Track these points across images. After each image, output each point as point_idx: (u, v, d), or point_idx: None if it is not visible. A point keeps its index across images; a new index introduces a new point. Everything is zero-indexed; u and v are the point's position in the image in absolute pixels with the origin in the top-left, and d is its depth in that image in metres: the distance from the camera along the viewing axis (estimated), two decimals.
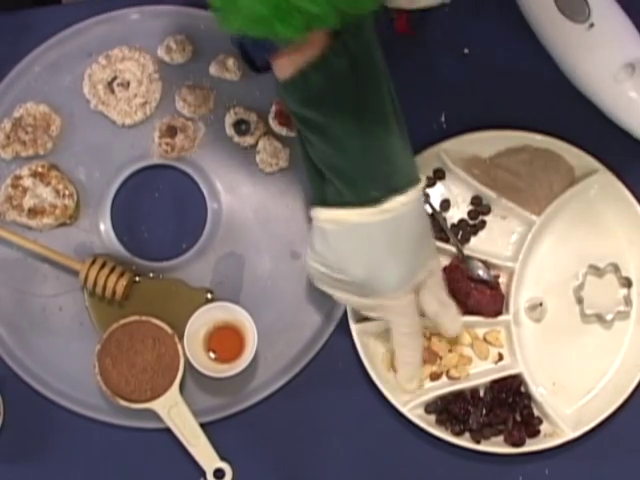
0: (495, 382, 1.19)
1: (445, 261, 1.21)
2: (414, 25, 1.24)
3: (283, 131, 1.23)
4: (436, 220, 1.21)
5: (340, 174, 1.04)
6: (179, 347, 1.17)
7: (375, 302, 1.10)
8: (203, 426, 1.17)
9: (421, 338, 1.14)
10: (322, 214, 1.07)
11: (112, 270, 1.19)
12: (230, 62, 1.23)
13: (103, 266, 1.19)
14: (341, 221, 1.05)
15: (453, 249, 1.20)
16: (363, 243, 1.06)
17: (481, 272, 1.19)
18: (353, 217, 1.05)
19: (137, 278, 1.21)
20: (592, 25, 1.20)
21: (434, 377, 1.20)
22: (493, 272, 1.21)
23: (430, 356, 1.19)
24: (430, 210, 1.21)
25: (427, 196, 1.22)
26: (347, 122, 1.02)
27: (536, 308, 1.21)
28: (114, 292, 1.19)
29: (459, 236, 1.22)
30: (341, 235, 1.06)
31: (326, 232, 1.07)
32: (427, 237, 1.11)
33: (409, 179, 1.06)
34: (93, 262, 1.19)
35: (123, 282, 1.19)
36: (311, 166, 1.07)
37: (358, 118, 1.02)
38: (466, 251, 1.20)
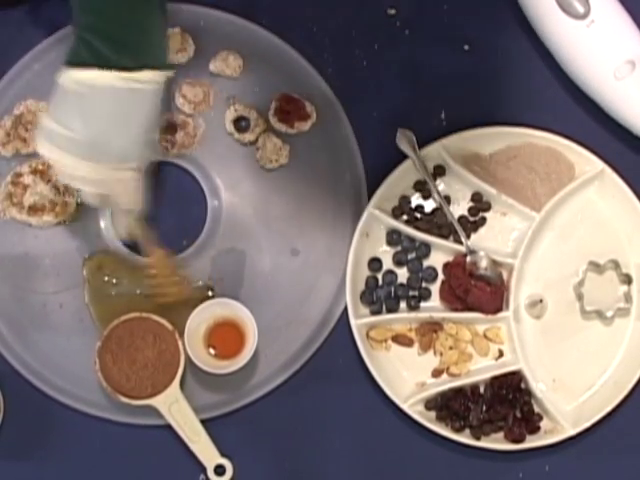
0: (495, 378, 1.19)
1: (446, 258, 1.21)
2: None
3: (283, 128, 1.23)
4: (437, 216, 1.21)
5: (99, 35, 1.02)
6: (179, 344, 1.17)
7: (100, 174, 1.06)
8: (204, 422, 1.17)
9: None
10: (74, 74, 1.03)
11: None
12: (230, 59, 1.24)
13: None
14: (87, 81, 1.02)
15: (453, 246, 1.21)
16: (102, 105, 1.03)
17: (484, 262, 1.19)
18: (103, 79, 1.01)
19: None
20: (592, 22, 1.20)
21: (435, 374, 1.20)
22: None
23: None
24: (435, 204, 1.22)
25: (436, 188, 1.21)
26: None
27: (536, 305, 1.21)
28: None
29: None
30: (85, 95, 1.03)
31: (70, 91, 1.03)
32: (155, 128, 1.10)
33: (161, 61, 1.05)
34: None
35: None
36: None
37: None
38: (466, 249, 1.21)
